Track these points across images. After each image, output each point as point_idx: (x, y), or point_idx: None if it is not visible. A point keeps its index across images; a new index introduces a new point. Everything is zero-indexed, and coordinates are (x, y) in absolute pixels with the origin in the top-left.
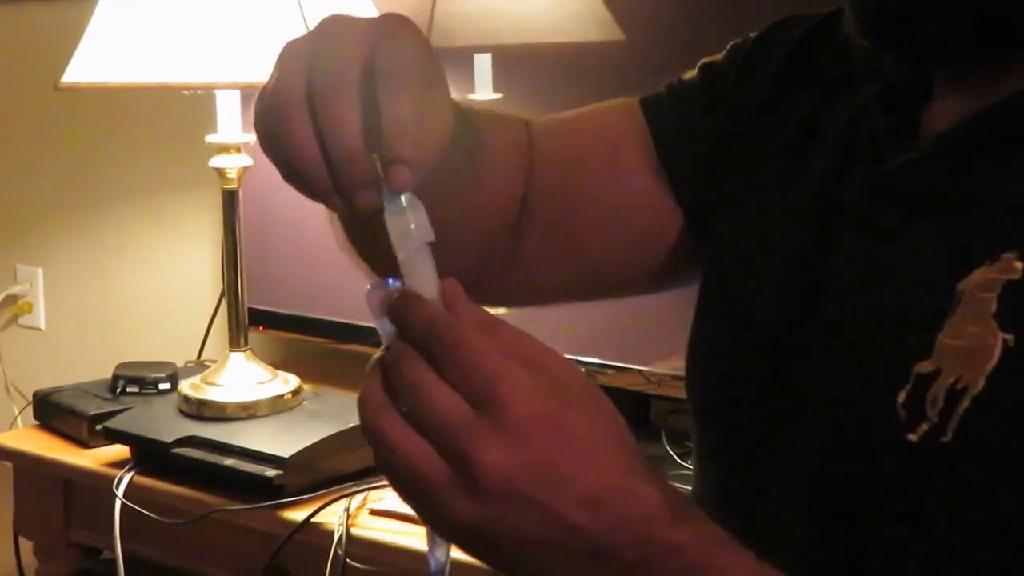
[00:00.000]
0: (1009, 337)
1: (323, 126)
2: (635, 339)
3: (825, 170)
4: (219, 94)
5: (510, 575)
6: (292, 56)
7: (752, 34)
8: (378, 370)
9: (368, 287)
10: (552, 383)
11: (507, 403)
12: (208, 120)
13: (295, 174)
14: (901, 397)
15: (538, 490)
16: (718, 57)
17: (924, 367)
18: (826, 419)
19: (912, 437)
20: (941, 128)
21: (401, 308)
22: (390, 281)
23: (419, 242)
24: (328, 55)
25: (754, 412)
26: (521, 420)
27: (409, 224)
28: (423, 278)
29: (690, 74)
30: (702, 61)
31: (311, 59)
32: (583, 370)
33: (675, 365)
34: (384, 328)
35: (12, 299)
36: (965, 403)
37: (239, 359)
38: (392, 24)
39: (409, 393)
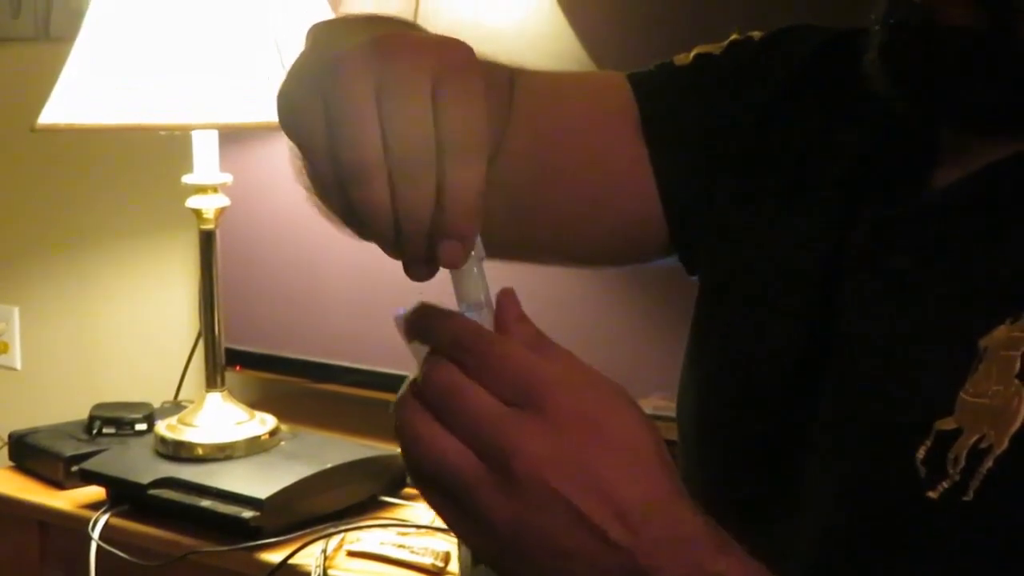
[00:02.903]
0: None
1: (400, 204)
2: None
3: (835, 202)
4: (196, 135)
5: None
6: (356, 84)
7: (754, 33)
8: (410, 388)
9: (395, 313)
10: (597, 390)
11: (547, 398)
12: (185, 160)
13: (358, 224)
14: (921, 453)
15: (575, 493)
16: (714, 49)
17: (946, 424)
18: (840, 473)
19: (932, 495)
20: (953, 166)
21: (424, 320)
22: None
23: (475, 260)
24: (403, 106)
25: (761, 464)
26: (561, 415)
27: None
28: (474, 290)
29: (682, 59)
30: (697, 50)
31: (384, 104)
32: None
33: (652, 404)
34: (418, 353)
35: None
36: (988, 463)
37: (216, 399)
38: (459, 62)
39: (442, 397)
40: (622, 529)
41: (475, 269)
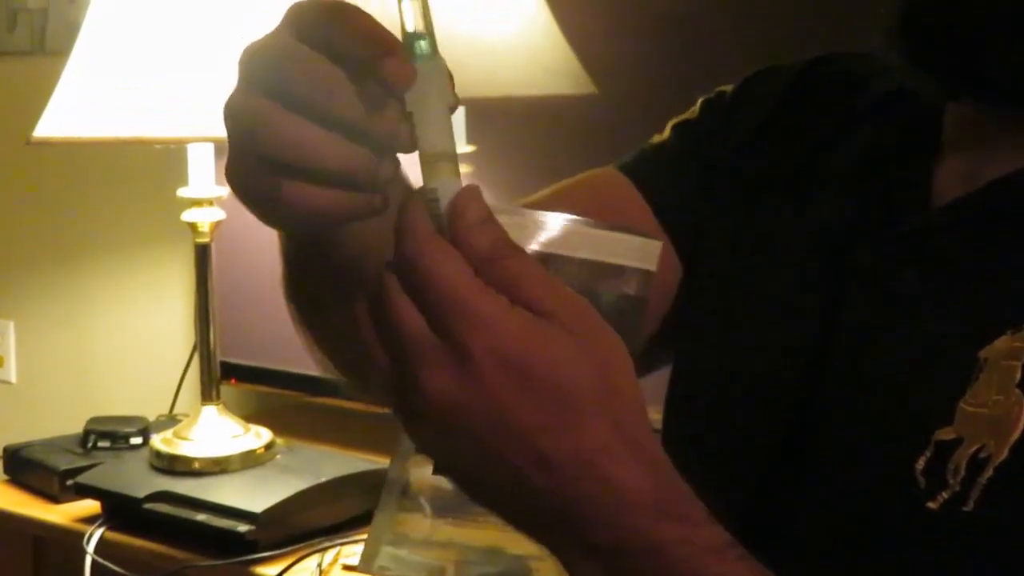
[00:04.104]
0: None
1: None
2: None
3: (834, 224)
4: (191, 148)
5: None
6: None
7: (723, 87)
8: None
9: None
10: (543, 327)
11: (468, 338)
12: (180, 174)
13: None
14: (920, 464)
15: (482, 429)
16: (688, 115)
17: (945, 434)
18: (839, 484)
19: (932, 505)
20: (953, 181)
21: (398, 225)
22: None
23: (440, 103)
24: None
25: (758, 477)
26: (480, 359)
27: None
28: (439, 138)
29: (660, 137)
30: (672, 121)
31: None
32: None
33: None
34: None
35: None
36: (988, 472)
37: (211, 413)
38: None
39: (381, 307)
40: (541, 474)
41: (440, 111)
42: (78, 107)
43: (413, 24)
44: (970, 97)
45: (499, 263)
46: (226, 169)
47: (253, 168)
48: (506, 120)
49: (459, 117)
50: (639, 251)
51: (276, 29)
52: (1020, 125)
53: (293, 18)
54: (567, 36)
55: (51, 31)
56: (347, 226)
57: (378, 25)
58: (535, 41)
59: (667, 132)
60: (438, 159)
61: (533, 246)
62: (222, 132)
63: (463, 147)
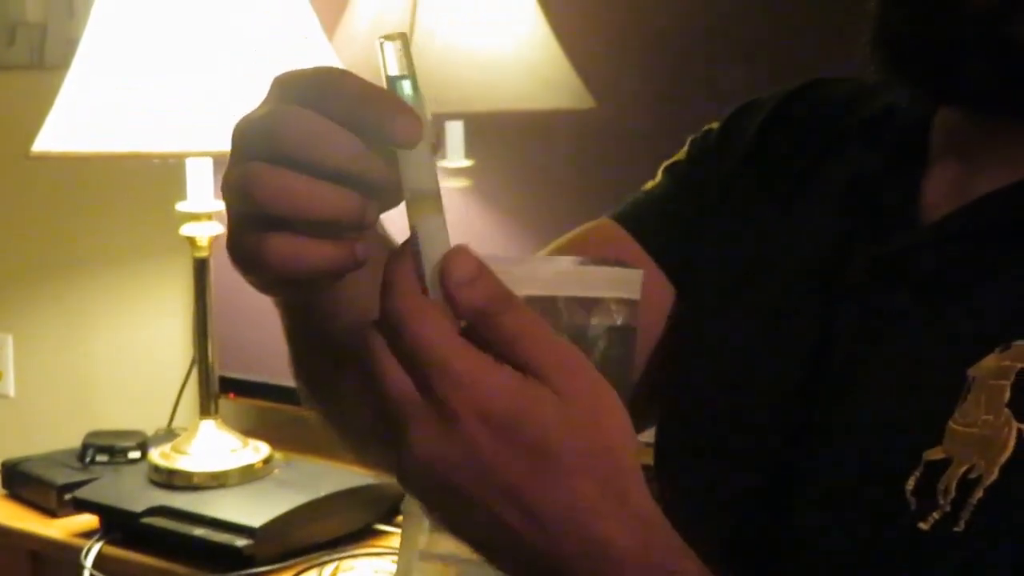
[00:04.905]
0: None
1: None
2: None
3: (823, 243)
4: (190, 162)
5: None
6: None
7: (711, 125)
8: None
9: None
10: (529, 385)
11: (448, 398)
12: (179, 188)
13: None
14: (910, 484)
15: (470, 486)
16: (678, 157)
17: (934, 454)
18: (830, 505)
19: (924, 526)
20: (942, 198)
21: (383, 281)
22: None
23: (423, 143)
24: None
25: (749, 495)
26: (464, 416)
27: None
28: (424, 176)
29: (652, 183)
30: (664, 164)
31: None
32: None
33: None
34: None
35: None
36: (979, 493)
37: (209, 427)
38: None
39: (367, 366)
40: (527, 524)
41: (424, 150)
42: (77, 121)
43: (396, 68)
44: (950, 104)
45: (492, 320)
46: (226, 241)
47: (243, 228)
48: (504, 134)
49: (457, 131)
50: (621, 282)
51: (263, 101)
52: (1007, 136)
53: (280, 88)
54: (565, 50)
55: (50, 45)
56: (341, 293)
57: (370, 85)
58: (534, 55)
59: (658, 176)
60: (423, 198)
61: (522, 292)
62: (220, 146)
63: (461, 161)
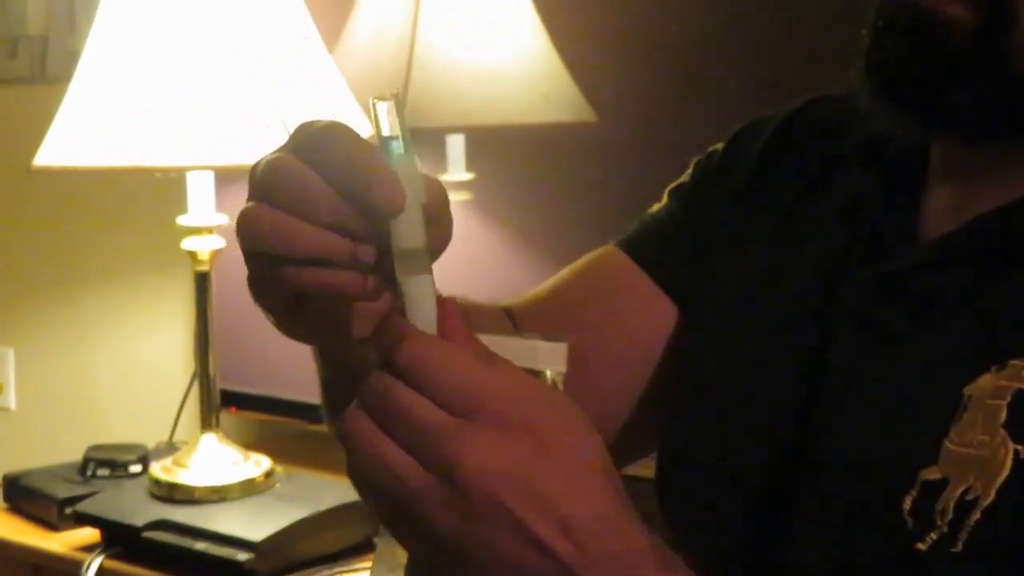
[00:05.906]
0: (1021, 448)
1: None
2: None
3: (822, 263)
4: (191, 176)
5: None
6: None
7: (715, 146)
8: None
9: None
10: (542, 401)
11: (490, 408)
12: (180, 202)
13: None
14: (907, 504)
15: (519, 505)
16: (683, 179)
17: (930, 473)
18: (828, 525)
19: (921, 546)
20: (940, 217)
21: (386, 335)
22: None
23: (414, 201)
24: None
25: (746, 518)
26: (505, 426)
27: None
28: (412, 235)
29: (658, 206)
30: (669, 187)
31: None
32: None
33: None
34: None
35: None
36: (976, 514)
37: (211, 441)
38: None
39: (383, 407)
40: (567, 543)
41: (414, 209)
42: (78, 135)
43: (389, 129)
44: (942, 137)
45: (487, 354)
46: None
47: (252, 262)
48: (505, 147)
49: (458, 144)
50: (550, 355)
51: (279, 147)
52: (1003, 157)
53: (294, 135)
54: (567, 64)
55: (51, 59)
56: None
57: (361, 146)
58: (535, 69)
59: (664, 199)
60: (409, 256)
61: None
62: (221, 160)
63: (462, 174)
